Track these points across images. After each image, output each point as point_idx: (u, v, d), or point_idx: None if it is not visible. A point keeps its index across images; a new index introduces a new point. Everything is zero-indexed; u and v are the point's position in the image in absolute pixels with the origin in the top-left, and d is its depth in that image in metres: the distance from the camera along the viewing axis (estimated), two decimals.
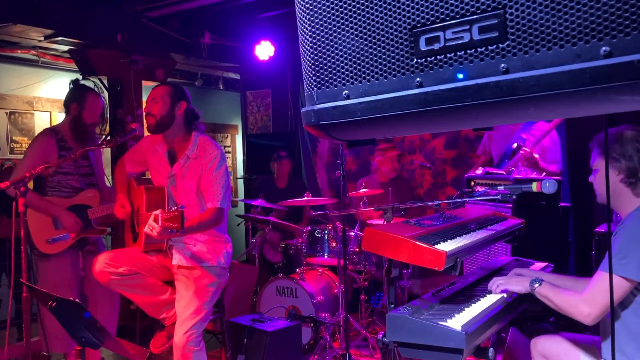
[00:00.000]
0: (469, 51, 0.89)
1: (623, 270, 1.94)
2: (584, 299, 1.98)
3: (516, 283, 2.19)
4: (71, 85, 3.65)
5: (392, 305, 2.28)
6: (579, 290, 2.07)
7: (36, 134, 4.60)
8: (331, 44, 1.04)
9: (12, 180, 2.75)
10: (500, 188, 2.78)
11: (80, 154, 3.19)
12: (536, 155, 3.70)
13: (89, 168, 3.59)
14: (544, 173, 3.65)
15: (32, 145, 3.49)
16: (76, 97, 3.55)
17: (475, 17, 0.87)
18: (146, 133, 3.16)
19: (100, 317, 3.49)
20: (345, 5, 1.01)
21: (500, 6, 0.85)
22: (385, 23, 0.97)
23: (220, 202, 2.93)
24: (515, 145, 3.78)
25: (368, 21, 0.99)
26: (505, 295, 2.21)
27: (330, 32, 1.04)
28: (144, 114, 3.02)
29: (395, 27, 0.96)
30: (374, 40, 0.99)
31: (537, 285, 2.10)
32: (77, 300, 3.39)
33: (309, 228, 4.49)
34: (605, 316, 2.04)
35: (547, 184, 2.31)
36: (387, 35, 0.97)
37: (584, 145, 3.97)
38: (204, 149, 3.00)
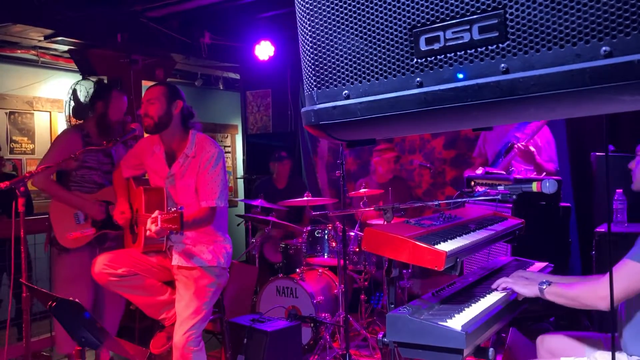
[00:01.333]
0: (469, 51, 0.89)
1: None
2: (601, 283, 1.95)
3: (524, 286, 2.17)
4: (95, 86, 3.74)
5: (392, 305, 2.28)
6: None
7: (35, 134, 4.62)
8: (331, 44, 1.04)
9: (13, 180, 2.75)
10: (501, 188, 2.78)
11: (82, 152, 3.22)
12: (532, 149, 3.70)
13: (110, 165, 3.65)
14: (544, 173, 3.65)
15: (57, 139, 3.61)
16: (102, 95, 3.66)
17: (475, 17, 0.87)
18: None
19: (107, 315, 3.54)
20: (345, 6, 1.01)
21: (500, 6, 0.85)
22: (385, 23, 0.97)
23: (216, 200, 2.92)
24: (510, 143, 3.79)
25: (368, 21, 0.99)
26: (505, 293, 2.21)
27: (330, 32, 1.04)
28: (142, 115, 3.02)
29: (395, 27, 0.96)
30: (374, 40, 0.99)
31: (545, 286, 2.09)
32: (90, 295, 3.44)
33: (309, 228, 4.49)
34: (621, 312, 2.04)
35: (547, 184, 2.31)
36: (387, 35, 0.97)
37: (586, 145, 3.98)
38: (202, 147, 3.00)
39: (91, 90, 5.41)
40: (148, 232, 2.67)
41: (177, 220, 2.55)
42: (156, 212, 2.65)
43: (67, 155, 3.31)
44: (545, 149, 3.86)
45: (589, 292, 1.99)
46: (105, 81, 5.12)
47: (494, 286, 2.27)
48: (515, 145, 3.70)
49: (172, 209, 2.61)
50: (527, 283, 2.18)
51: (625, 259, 1.99)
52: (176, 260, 2.97)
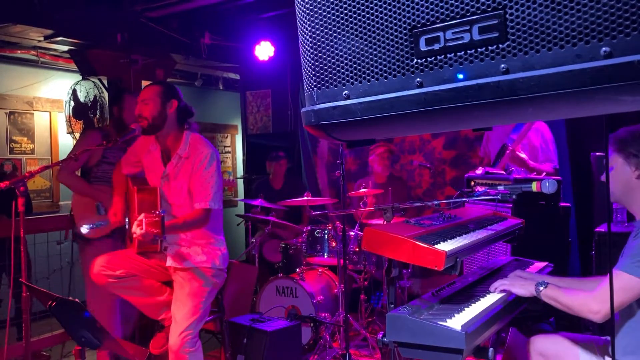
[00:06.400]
0: (469, 51, 0.89)
1: None
2: (594, 297, 1.96)
3: (520, 286, 2.17)
4: (109, 92, 3.92)
5: (392, 305, 2.28)
6: (585, 289, 2.06)
7: (35, 134, 4.61)
8: (331, 44, 1.04)
9: (13, 180, 2.75)
10: (500, 188, 2.78)
11: (80, 153, 3.22)
12: (523, 155, 3.69)
13: None
14: (544, 173, 3.65)
15: (80, 139, 3.82)
16: (115, 100, 3.88)
17: (475, 17, 0.87)
18: None
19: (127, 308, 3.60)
20: (345, 6, 1.01)
21: (500, 6, 0.85)
22: (385, 23, 0.97)
23: (210, 202, 2.88)
24: (504, 145, 3.79)
25: (368, 21, 0.99)
26: (504, 294, 2.21)
27: (330, 32, 1.04)
28: (136, 116, 3.00)
29: (395, 27, 0.96)
30: (374, 41, 0.99)
31: (542, 288, 2.09)
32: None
33: (309, 228, 4.49)
34: (616, 317, 2.03)
35: (547, 184, 2.31)
36: (387, 35, 0.97)
37: (586, 145, 3.98)
38: (195, 147, 2.96)
39: (91, 90, 5.44)
40: (134, 235, 2.63)
41: (158, 225, 2.51)
42: (142, 215, 2.59)
43: (89, 153, 3.56)
44: (542, 149, 3.85)
45: (582, 305, 1.99)
46: (105, 81, 5.12)
47: (491, 289, 2.27)
48: (506, 151, 3.71)
49: (156, 212, 2.56)
50: (523, 283, 2.19)
51: (615, 270, 1.98)
52: (170, 261, 2.95)
